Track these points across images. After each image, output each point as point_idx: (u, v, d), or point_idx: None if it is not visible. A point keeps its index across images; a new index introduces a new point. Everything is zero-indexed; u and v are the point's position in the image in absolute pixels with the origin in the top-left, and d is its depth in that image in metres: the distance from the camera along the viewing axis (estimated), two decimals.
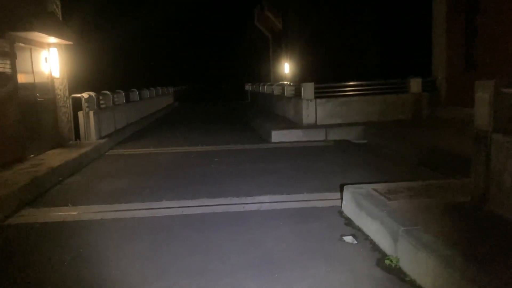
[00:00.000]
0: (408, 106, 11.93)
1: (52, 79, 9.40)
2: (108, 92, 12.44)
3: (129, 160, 9.06)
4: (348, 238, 4.12)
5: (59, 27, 8.93)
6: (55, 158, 7.88)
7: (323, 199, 5.44)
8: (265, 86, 20.35)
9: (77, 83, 13.21)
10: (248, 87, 29.38)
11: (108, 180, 7.04)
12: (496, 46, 9.79)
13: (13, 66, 7.64)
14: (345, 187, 4.97)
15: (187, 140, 11.49)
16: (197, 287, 3.29)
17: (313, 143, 10.27)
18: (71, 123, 10.06)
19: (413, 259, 3.28)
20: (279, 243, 4.09)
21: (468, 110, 10.58)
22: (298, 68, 23.30)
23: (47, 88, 9.20)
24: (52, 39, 8.83)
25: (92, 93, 10.71)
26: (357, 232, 4.26)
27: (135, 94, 16.95)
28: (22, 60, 8.07)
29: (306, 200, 5.44)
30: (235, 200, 5.56)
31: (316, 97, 11.72)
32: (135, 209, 5.33)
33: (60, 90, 9.67)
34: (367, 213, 4.21)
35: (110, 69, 24.44)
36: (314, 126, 11.35)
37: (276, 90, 16.93)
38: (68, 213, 5.24)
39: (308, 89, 11.74)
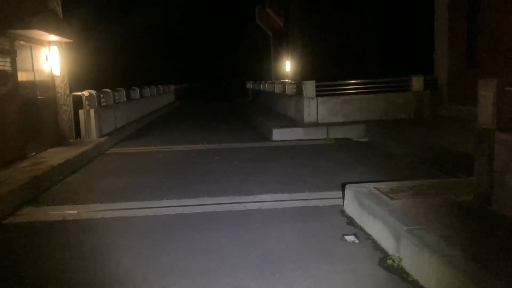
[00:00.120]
0: (409, 105, 11.88)
1: (53, 77, 9.38)
2: (108, 90, 12.42)
3: (130, 158, 9.04)
4: (350, 238, 4.09)
5: (60, 25, 8.90)
6: (55, 156, 7.86)
7: (325, 198, 5.42)
8: (266, 84, 20.31)
9: (78, 81, 13.20)
10: (249, 85, 29.32)
11: (109, 178, 7.02)
12: (498, 44, 9.74)
13: (14, 64, 7.61)
14: (347, 186, 4.94)
15: (188, 138, 11.46)
16: (198, 287, 3.27)
17: (315, 141, 10.24)
18: (71, 121, 10.04)
19: (415, 259, 3.25)
20: (280, 242, 4.06)
21: (470, 108, 10.56)
22: (299, 66, 23.24)
23: (48, 86, 9.18)
24: (52, 37, 8.81)
25: (93, 91, 10.69)
26: (359, 232, 4.23)
27: (136, 92, 16.92)
28: (22, 58, 8.04)
29: (308, 199, 5.41)
30: (236, 199, 5.53)
31: (317, 95, 11.68)
32: (136, 208, 5.30)
33: (61, 88, 9.64)
34: (369, 212, 4.18)
35: (111, 67, 24.42)
36: (316, 124, 11.31)
37: (277, 88, 16.89)
38: (68, 212, 5.22)
39: (310, 87, 11.69)
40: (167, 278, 3.42)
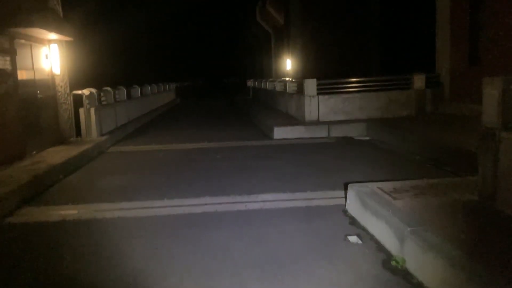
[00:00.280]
0: (411, 102, 11.82)
1: (53, 76, 9.33)
2: (109, 88, 12.37)
3: (131, 157, 8.99)
4: (353, 238, 4.04)
5: (60, 23, 8.85)
6: (56, 155, 7.82)
7: (327, 198, 5.37)
8: (267, 82, 20.25)
9: (78, 80, 13.14)
10: (250, 83, 29.27)
11: (109, 177, 6.98)
12: (501, 41, 9.67)
13: (13, 62, 7.57)
14: (349, 185, 4.89)
15: (189, 136, 11.42)
16: None
17: (316, 139, 10.19)
18: (72, 120, 10.00)
19: (420, 260, 3.20)
20: (283, 243, 4.02)
21: (472, 106, 10.51)
22: (300, 64, 23.17)
23: (48, 85, 9.14)
24: (52, 35, 8.76)
25: (93, 90, 10.64)
26: (362, 232, 4.18)
27: (136, 91, 16.86)
28: (22, 56, 8.00)
29: (310, 199, 5.37)
30: (238, 198, 5.49)
31: (318, 94, 11.63)
32: (137, 208, 5.26)
33: (61, 86, 9.60)
34: (372, 212, 4.14)
35: (112, 65, 24.35)
36: (317, 122, 11.26)
37: (278, 86, 16.84)
38: (68, 212, 5.18)
39: (311, 85, 11.64)
40: (169, 279, 3.38)
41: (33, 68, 8.49)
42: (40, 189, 6.18)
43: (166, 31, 40.86)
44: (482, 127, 3.92)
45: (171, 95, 27.39)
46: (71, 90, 10.06)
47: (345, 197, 5.00)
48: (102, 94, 11.50)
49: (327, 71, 19.25)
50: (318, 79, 11.89)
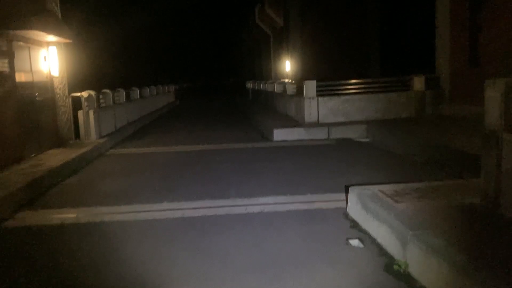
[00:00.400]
0: (411, 104, 11.79)
1: (51, 78, 9.29)
2: (108, 90, 12.33)
3: (130, 159, 8.94)
4: (354, 242, 3.99)
5: (58, 25, 8.81)
6: (54, 158, 7.77)
7: (328, 200, 5.32)
8: (266, 84, 20.22)
9: (77, 82, 13.11)
10: (249, 84, 29.26)
11: (108, 180, 6.93)
12: (501, 42, 9.64)
13: (11, 65, 7.53)
14: (350, 188, 4.85)
15: (188, 139, 11.37)
16: None
17: (316, 141, 10.15)
18: (70, 122, 9.95)
19: (423, 265, 3.16)
20: (284, 246, 3.97)
21: (473, 107, 10.47)
22: (299, 66, 23.16)
23: (46, 87, 9.09)
24: (51, 38, 8.72)
25: (92, 92, 10.60)
26: (364, 236, 4.14)
27: (135, 93, 16.83)
28: (20, 59, 7.96)
29: (310, 202, 5.32)
30: (238, 201, 5.44)
31: (318, 95, 11.59)
32: (135, 211, 5.21)
33: (60, 89, 9.56)
34: (374, 215, 4.09)
35: (111, 67, 24.32)
36: (316, 124, 11.22)
37: (277, 88, 16.80)
38: (66, 216, 5.13)
39: (310, 87, 11.60)
40: (168, 284, 3.33)
41: (31, 71, 8.44)
42: (38, 192, 6.13)
43: (165, 33, 40.85)
44: (484, 129, 3.87)
45: (170, 97, 27.36)
46: (69, 92, 10.01)
47: (346, 200, 4.95)
48: (101, 96, 11.46)
49: (326, 72, 19.24)
50: (317, 80, 11.86)
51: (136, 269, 3.62)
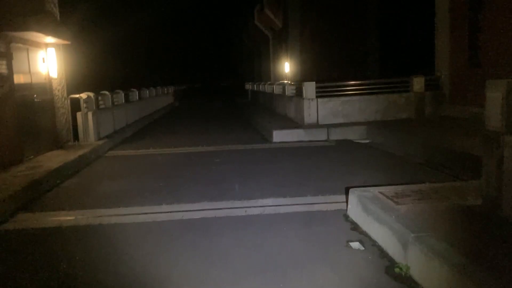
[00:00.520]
0: (411, 105, 11.77)
1: (50, 80, 9.26)
2: (107, 92, 12.29)
3: (128, 161, 8.91)
4: (355, 244, 3.96)
5: (57, 27, 8.78)
6: (53, 160, 7.74)
7: (328, 202, 5.29)
8: (266, 85, 20.21)
9: (75, 84, 13.08)
10: (248, 86, 29.23)
11: (107, 182, 6.89)
12: (501, 43, 9.63)
13: (10, 66, 7.49)
14: (350, 190, 4.82)
15: (187, 140, 11.34)
16: None
17: (315, 143, 10.13)
18: (69, 124, 9.92)
19: (425, 268, 3.13)
20: (284, 249, 3.94)
21: (472, 108, 10.46)
22: (298, 67, 23.14)
23: (45, 88, 9.05)
24: (49, 39, 8.68)
25: (91, 94, 10.56)
26: (364, 238, 4.11)
27: (134, 94, 16.79)
28: (18, 60, 7.92)
29: (310, 203, 5.29)
30: (237, 203, 5.41)
31: (317, 96, 11.57)
32: (134, 214, 5.18)
33: (58, 90, 9.52)
34: (375, 217, 4.06)
35: (110, 69, 24.29)
36: (316, 125, 11.20)
37: (276, 89, 16.78)
38: (65, 218, 5.09)
39: (310, 88, 11.58)
40: (167, 287, 3.30)
41: (30, 72, 8.41)
42: (37, 194, 6.09)
43: (164, 34, 40.84)
44: (485, 131, 3.85)
45: (169, 98, 27.33)
46: (68, 94, 9.98)
47: (346, 202, 4.92)
48: (99, 97, 11.43)
49: (326, 73, 19.22)
50: (317, 81, 11.85)
51: (135, 271, 3.59)
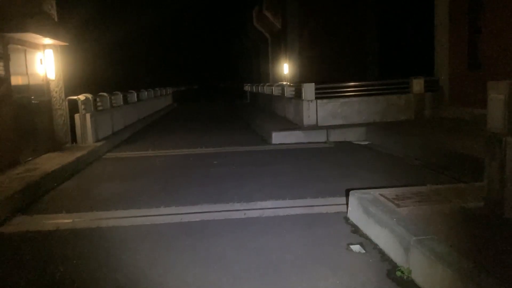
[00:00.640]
0: (410, 107, 11.75)
1: (48, 81, 9.20)
2: (105, 94, 12.24)
3: (127, 163, 8.85)
4: (356, 247, 3.92)
5: (55, 28, 8.73)
6: (50, 162, 7.68)
7: (328, 204, 5.25)
8: (265, 87, 20.16)
9: (74, 85, 13.01)
10: (247, 87, 29.19)
11: (105, 185, 6.84)
12: (501, 44, 9.60)
13: (7, 68, 7.44)
14: (350, 192, 4.77)
15: (186, 142, 11.28)
16: None
17: (314, 144, 10.08)
18: (67, 125, 9.86)
19: (427, 271, 3.08)
20: (284, 252, 3.89)
21: (472, 110, 10.43)
22: (297, 69, 23.11)
23: (42, 90, 9.00)
24: (47, 40, 8.63)
25: (89, 95, 10.51)
26: (365, 241, 4.06)
27: (133, 96, 16.73)
28: (16, 62, 7.87)
29: (310, 206, 5.24)
30: (236, 206, 5.36)
31: (316, 98, 11.53)
32: (132, 216, 5.13)
33: (56, 92, 9.46)
34: (375, 220, 4.01)
35: (108, 70, 24.22)
36: (315, 127, 11.16)
37: (275, 91, 16.74)
38: (62, 221, 5.04)
39: (309, 89, 11.54)
40: None
41: (27, 74, 8.35)
42: (34, 197, 6.03)
43: (162, 36, 40.79)
44: (487, 132, 3.81)
45: (168, 100, 27.28)
46: (66, 95, 9.92)
47: (347, 204, 4.87)
48: (98, 99, 11.37)
49: (325, 75, 19.18)
50: (316, 83, 11.80)
51: (133, 274, 3.53)
